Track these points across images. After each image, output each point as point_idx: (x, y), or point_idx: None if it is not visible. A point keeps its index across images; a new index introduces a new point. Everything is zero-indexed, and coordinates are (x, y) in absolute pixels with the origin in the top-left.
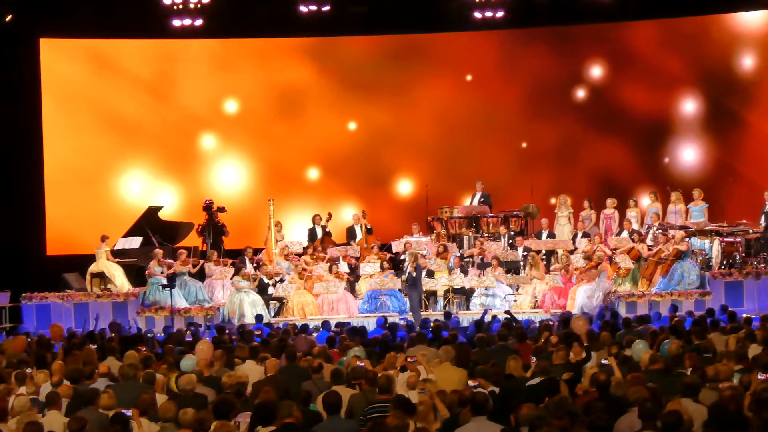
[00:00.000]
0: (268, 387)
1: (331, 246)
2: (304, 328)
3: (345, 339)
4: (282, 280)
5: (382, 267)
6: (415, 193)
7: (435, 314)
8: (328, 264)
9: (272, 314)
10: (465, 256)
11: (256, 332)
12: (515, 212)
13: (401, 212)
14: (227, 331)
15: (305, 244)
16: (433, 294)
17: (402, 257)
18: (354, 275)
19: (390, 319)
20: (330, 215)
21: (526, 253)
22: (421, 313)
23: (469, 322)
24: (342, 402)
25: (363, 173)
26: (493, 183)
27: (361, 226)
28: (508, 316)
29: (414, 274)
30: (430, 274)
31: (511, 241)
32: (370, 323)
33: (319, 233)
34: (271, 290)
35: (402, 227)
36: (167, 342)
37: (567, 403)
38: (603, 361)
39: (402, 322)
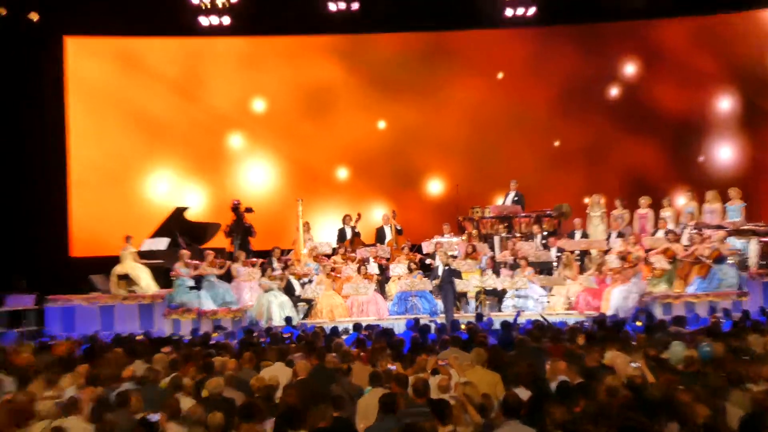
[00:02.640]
0: (291, 390)
1: (360, 247)
2: (334, 330)
3: (375, 340)
4: (310, 281)
5: (410, 268)
6: (446, 193)
7: (466, 316)
8: (358, 265)
9: (301, 316)
10: (497, 257)
11: (285, 335)
12: (548, 212)
13: (431, 212)
14: (255, 334)
15: (334, 244)
16: (463, 295)
17: (428, 261)
18: (384, 276)
19: (421, 321)
20: (359, 215)
21: (559, 254)
22: (451, 314)
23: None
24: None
25: (392, 173)
26: (524, 182)
27: (390, 227)
28: (543, 320)
29: (447, 275)
30: (456, 274)
31: (544, 242)
32: (400, 325)
33: (349, 234)
34: (299, 291)
35: (432, 228)
36: (195, 344)
37: (602, 406)
38: (633, 364)
39: (433, 325)
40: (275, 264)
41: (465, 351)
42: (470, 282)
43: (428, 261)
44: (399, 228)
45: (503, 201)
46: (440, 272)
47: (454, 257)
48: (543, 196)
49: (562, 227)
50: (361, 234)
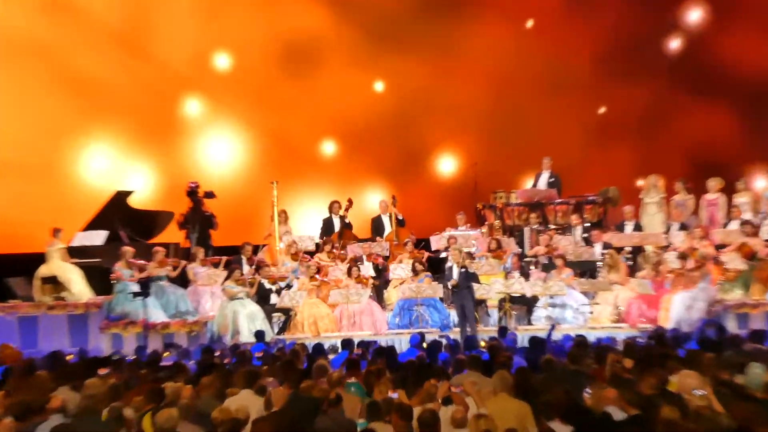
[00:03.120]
0: (263, 424)
1: (352, 242)
2: (318, 348)
3: (371, 361)
4: (289, 286)
5: (415, 270)
6: (461, 174)
7: (487, 330)
8: (348, 265)
9: (276, 330)
10: (527, 255)
11: (255, 354)
12: (591, 198)
13: (442, 198)
14: (218, 353)
15: (319, 239)
16: (482, 304)
17: (443, 255)
18: (382, 279)
19: (428, 337)
20: (350, 202)
21: (605, 251)
22: (474, 328)
23: (529, 340)
24: None
25: (393, 148)
26: (561, 160)
27: (390, 217)
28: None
29: (463, 278)
30: (474, 278)
31: (585, 236)
32: (403, 342)
33: (337, 225)
34: (274, 299)
35: (443, 218)
36: (140, 366)
37: None
38: (698, 392)
39: (443, 341)
40: (244, 264)
41: (485, 375)
42: (492, 287)
43: (445, 258)
44: (401, 218)
45: (534, 184)
46: (455, 275)
47: (472, 256)
48: (584, 177)
49: (608, 217)
50: (353, 226)
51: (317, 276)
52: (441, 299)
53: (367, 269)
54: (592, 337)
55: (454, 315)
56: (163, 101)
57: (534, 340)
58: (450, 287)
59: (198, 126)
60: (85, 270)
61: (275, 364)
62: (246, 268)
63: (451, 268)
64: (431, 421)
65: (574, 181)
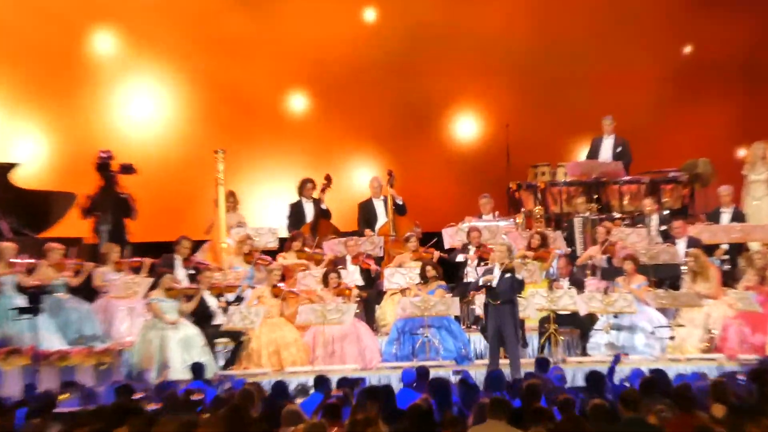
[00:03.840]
0: None
1: (330, 237)
2: (280, 388)
3: (357, 406)
4: (240, 300)
5: (425, 275)
6: (486, 141)
7: (524, 362)
8: (326, 270)
9: (222, 363)
10: (579, 260)
11: (192, 397)
12: (672, 175)
13: (460, 175)
14: (138, 395)
15: (283, 232)
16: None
17: (460, 257)
18: (373, 291)
19: (438, 372)
20: (329, 181)
21: (691, 251)
22: (517, 363)
23: (584, 375)
24: None
25: (389, 103)
26: (630, 122)
27: (385, 201)
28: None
29: (507, 286)
30: (520, 287)
31: (664, 228)
32: (400, 378)
33: (310, 213)
34: (220, 318)
35: (461, 202)
36: (31, 412)
37: None
38: None
39: (456, 379)
40: (178, 268)
41: (517, 428)
42: (530, 302)
43: (463, 261)
44: (400, 203)
45: (590, 155)
46: (495, 278)
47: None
48: (662, 146)
49: (697, 202)
50: (332, 214)
51: (281, 285)
52: (457, 318)
53: (353, 276)
54: (672, 372)
55: (476, 342)
56: (61, 36)
57: (592, 378)
58: (486, 298)
59: (112, 72)
60: None
61: (219, 411)
62: (181, 274)
63: (488, 269)
64: None
65: (649, 151)
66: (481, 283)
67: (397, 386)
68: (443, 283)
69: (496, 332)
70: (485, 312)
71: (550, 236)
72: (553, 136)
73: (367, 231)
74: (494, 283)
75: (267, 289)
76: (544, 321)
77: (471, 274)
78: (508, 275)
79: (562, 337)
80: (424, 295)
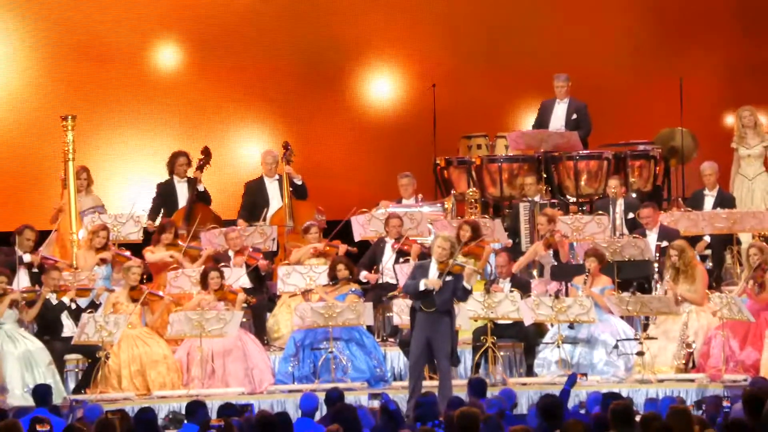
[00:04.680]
0: None
1: (210, 226)
2: (146, 418)
3: None
4: (95, 306)
5: (333, 276)
6: (407, 104)
7: (455, 383)
8: (204, 268)
9: (72, 385)
10: (521, 258)
11: (37, 427)
12: (642, 148)
13: (373, 148)
14: None
15: (149, 220)
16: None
17: (363, 277)
18: (263, 294)
19: (347, 397)
20: (207, 155)
21: (665, 245)
22: (448, 384)
23: (530, 401)
24: None
25: (283, 54)
26: (588, 82)
27: (280, 181)
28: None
29: (448, 290)
30: (463, 293)
31: (631, 215)
32: (298, 405)
33: (183, 196)
34: (70, 329)
35: (376, 183)
36: None
37: None
38: None
39: (374, 404)
40: (19, 266)
41: None
42: (461, 308)
43: (373, 253)
44: (299, 182)
45: (538, 122)
46: (431, 276)
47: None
48: (630, 111)
49: (673, 182)
50: (212, 197)
51: (146, 288)
52: (370, 330)
53: (237, 275)
54: (640, 397)
55: (394, 359)
56: None
57: (544, 404)
58: (416, 303)
59: None
60: None
61: None
62: (21, 275)
63: (423, 267)
64: None
65: (613, 118)
66: (422, 288)
67: (294, 415)
68: (357, 287)
69: (425, 347)
70: (411, 320)
71: (486, 225)
72: (491, 99)
73: (258, 223)
74: (431, 277)
75: (125, 292)
76: (479, 333)
77: (388, 273)
78: (450, 278)
79: (502, 353)
80: (330, 300)
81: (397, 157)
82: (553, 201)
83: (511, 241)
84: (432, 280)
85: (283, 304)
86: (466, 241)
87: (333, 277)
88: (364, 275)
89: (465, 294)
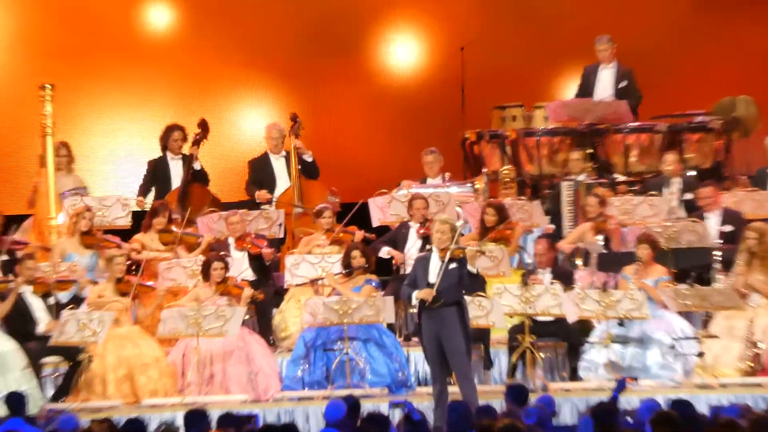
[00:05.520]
0: None
1: (207, 210)
2: (136, 428)
3: None
4: (79, 301)
5: (348, 266)
6: (432, 72)
7: (486, 391)
8: (207, 258)
9: (51, 392)
10: (562, 242)
11: None
12: (700, 119)
13: (394, 121)
14: None
15: (137, 204)
16: (481, 338)
17: (384, 254)
18: (270, 287)
19: (365, 404)
20: (205, 128)
21: (730, 229)
22: (470, 388)
23: (574, 409)
24: None
25: (292, 17)
26: (637, 45)
27: (287, 158)
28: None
29: (452, 282)
30: (477, 281)
31: (688, 196)
32: (314, 416)
33: (178, 175)
34: (44, 326)
35: (396, 160)
36: None
37: None
38: None
39: (396, 411)
40: None
41: None
42: (494, 303)
43: (394, 239)
44: (309, 160)
45: (581, 91)
46: (432, 272)
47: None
48: (685, 78)
49: (735, 157)
50: (210, 176)
51: (135, 279)
52: (392, 328)
53: (239, 266)
54: (701, 403)
55: (419, 361)
56: None
57: (599, 413)
58: (416, 303)
59: None
60: None
61: None
62: None
63: (424, 260)
64: None
65: (666, 85)
66: (414, 303)
67: (303, 427)
68: (374, 277)
69: (437, 347)
70: (419, 318)
71: (523, 209)
72: (527, 64)
73: (261, 194)
74: (432, 279)
75: (110, 286)
76: (515, 331)
77: (412, 262)
78: (454, 266)
79: (542, 354)
80: (346, 292)
81: (421, 131)
82: (600, 180)
83: (552, 225)
84: (424, 291)
85: (291, 299)
86: (492, 226)
87: (347, 265)
88: (387, 251)
89: (472, 281)
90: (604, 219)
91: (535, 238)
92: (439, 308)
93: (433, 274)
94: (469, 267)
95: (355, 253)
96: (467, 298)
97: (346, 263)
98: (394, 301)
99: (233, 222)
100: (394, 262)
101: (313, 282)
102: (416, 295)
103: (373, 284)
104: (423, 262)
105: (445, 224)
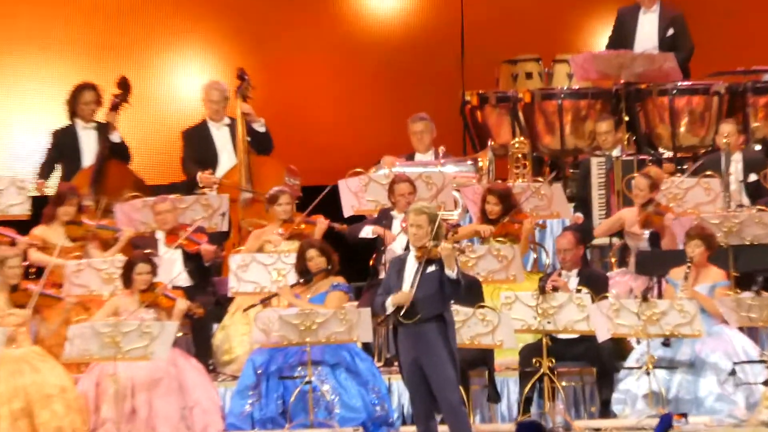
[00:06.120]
0: None
1: (127, 193)
2: None
3: None
4: None
5: (305, 269)
6: (421, 15)
7: (492, 430)
8: (128, 260)
9: None
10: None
11: None
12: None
13: (372, 79)
14: None
15: (37, 188)
16: (482, 361)
17: (367, 232)
18: (208, 296)
19: None
20: (125, 87)
21: None
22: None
23: None
24: None
25: None
26: None
27: (232, 128)
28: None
29: (433, 292)
30: (474, 287)
31: (754, 178)
32: None
33: (89, 149)
34: None
35: (375, 130)
36: None
37: None
38: None
39: None
40: None
41: None
42: (503, 316)
43: (376, 237)
44: (262, 130)
45: (614, 40)
46: (406, 280)
47: (455, 228)
48: (748, 24)
49: None
50: (130, 149)
51: (36, 287)
52: (367, 349)
53: (172, 269)
54: None
55: (403, 391)
56: None
57: None
58: (392, 317)
59: None
60: None
61: None
62: None
63: (400, 263)
64: None
65: (724, 35)
66: (389, 310)
67: None
68: (341, 280)
69: (418, 375)
70: (394, 337)
71: (540, 193)
72: (545, 6)
73: (204, 176)
74: (406, 287)
75: (2, 296)
76: (529, 353)
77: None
78: (433, 269)
79: (565, 383)
80: (304, 304)
81: (408, 92)
82: (639, 156)
83: (580, 215)
84: (400, 294)
85: (236, 312)
86: (496, 217)
87: (303, 271)
88: (371, 229)
89: (454, 288)
90: (657, 210)
91: (551, 229)
92: (416, 324)
93: (409, 281)
94: (446, 270)
95: (311, 252)
96: (464, 310)
97: (301, 268)
98: (372, 314)
99: (162, 211)
100: (382, 240)
101: (264, 302)
102: (391, 301)
103: (343, 289)
104: (398, 265)
105: (420, 215)
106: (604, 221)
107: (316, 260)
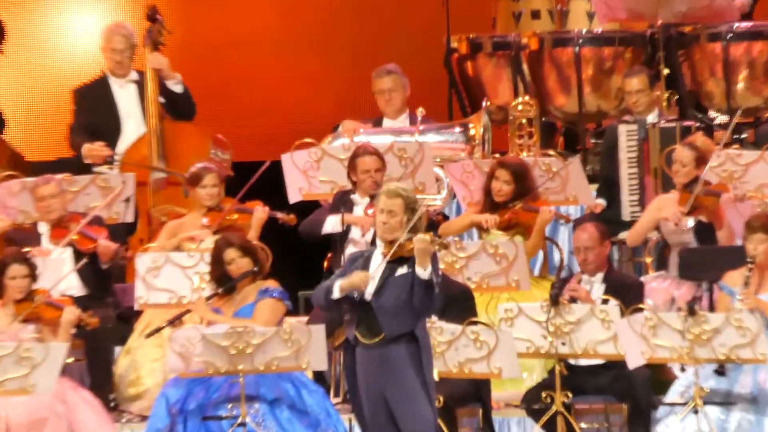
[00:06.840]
0: None
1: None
2: None
3: None
4: None
5: (224, 275)
6: None
7: None
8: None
9: None
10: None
11: None
12: None
13: (326, 17)
14: None
15: None
16: (477, 395)
17: (329, 227)
18: (106, 306)
19: None
20: None
21: None
22: None
23: None
24: None
25: None
26: None
27: (140, 84)
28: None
29: (385, 299)
30: (463, 298)
31: None
32: None
33: None
34: None
35: (332, 87)
36: None
37: None
38: None
39: None
40: None
41: None
42: (503, 335)
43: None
44: (179, 90)
45: None
46: (353, 284)
47: (441, 217)
48: None
49: None
50: (3, 114)
51: None
52: (319, 380)
53: (59, 271)
54: None
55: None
56: None
57: None
58: (348, 334)
59: None
60: None
61: None
62: None
63: (362, 260)
64: None
65: None
66: (336, 295)
67: None
68: (273, 284)
69: (380, 412)
70: (344, 365)
71: (551, 171)
72: None
73: (92, 148)
74: (369, 293)
75: None
76: (539, 385)
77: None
78: (404, 272)
79: (585, 424)
80: (228, 320)
81: (374, 37)
82: (683, 122)
83: (602, 201)
84: (356, 275)
85: (144, 329)
86: (505, 200)
87: (221, 277)
88: (339, 219)
89: (425, 293)
90: (709, 190)
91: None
92: (380, 345)
93: (371, 286)
94: (417, 269)
95: (231, 253)
96: (451, 327)
97: (219, 274)
98: (327, 334)
99: (47, 195)
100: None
101: (173, 323)
102: (341, 284)
103: (275, 295)
104: (359, 262)
105: (394, 197)
106: (636, 224)
107: (237, 262)
